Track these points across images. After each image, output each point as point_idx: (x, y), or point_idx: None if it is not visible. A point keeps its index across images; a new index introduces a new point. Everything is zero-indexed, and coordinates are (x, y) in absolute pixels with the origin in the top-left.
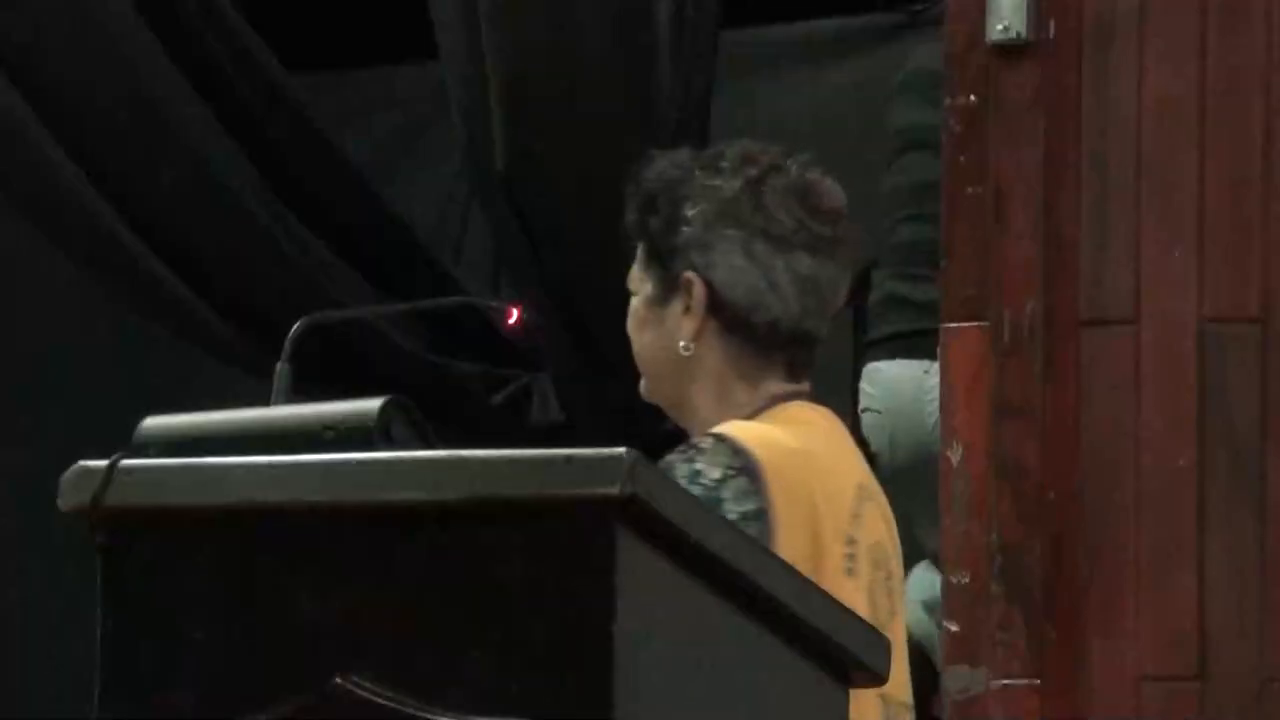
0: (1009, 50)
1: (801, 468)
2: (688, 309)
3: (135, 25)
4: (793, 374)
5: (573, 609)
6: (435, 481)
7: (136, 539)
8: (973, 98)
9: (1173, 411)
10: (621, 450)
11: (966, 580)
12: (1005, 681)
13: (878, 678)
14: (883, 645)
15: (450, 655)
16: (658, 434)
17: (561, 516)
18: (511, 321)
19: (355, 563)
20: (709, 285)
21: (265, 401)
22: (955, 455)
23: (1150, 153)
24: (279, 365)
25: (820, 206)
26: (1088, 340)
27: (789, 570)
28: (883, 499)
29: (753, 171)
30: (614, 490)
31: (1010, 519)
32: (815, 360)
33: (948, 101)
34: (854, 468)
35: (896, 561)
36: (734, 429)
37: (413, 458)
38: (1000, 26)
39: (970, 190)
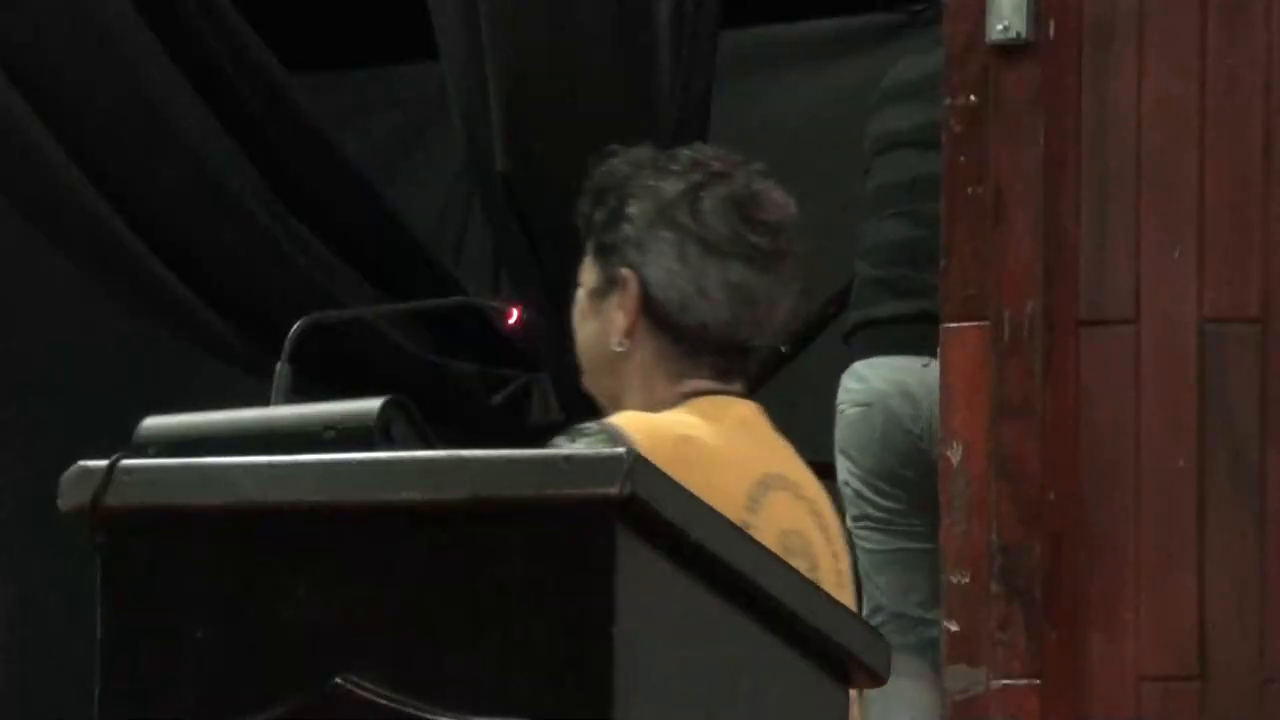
0: (1009, 50)
1: (679, 456)
2: (622, 306)
3: (135, 25)
4: (720, 377)
5: (573, 609)
6: (435, 481)
7: (136, 539)
8: (973, 98)
9: (1173, 411)
10: (621, 450)
11: (966, 580)
12: (1005, 681)
13: (878, 678)
14: (883, 645)
15: (450, 655)
16: None
17: (561, 516)
18: (511, 321)
19: (355, 563)
20: (643, 284)
21: (265, 401)
22: (955, 455)
23: (1150, 153)
24: (279, 365)
25: (760, 218)
26: (1088, 340)
27: (789, 570)
28: (811, 492)
29: (697, 176)
30: (614, 490)
31: (1010, 519)
32: (752, 370)
33: (947, 101)
34: (763, 459)
35: (827, 554)
36: (622, 417)
37: (413, 458)
38: (1000, 26)
39: (970, 190)
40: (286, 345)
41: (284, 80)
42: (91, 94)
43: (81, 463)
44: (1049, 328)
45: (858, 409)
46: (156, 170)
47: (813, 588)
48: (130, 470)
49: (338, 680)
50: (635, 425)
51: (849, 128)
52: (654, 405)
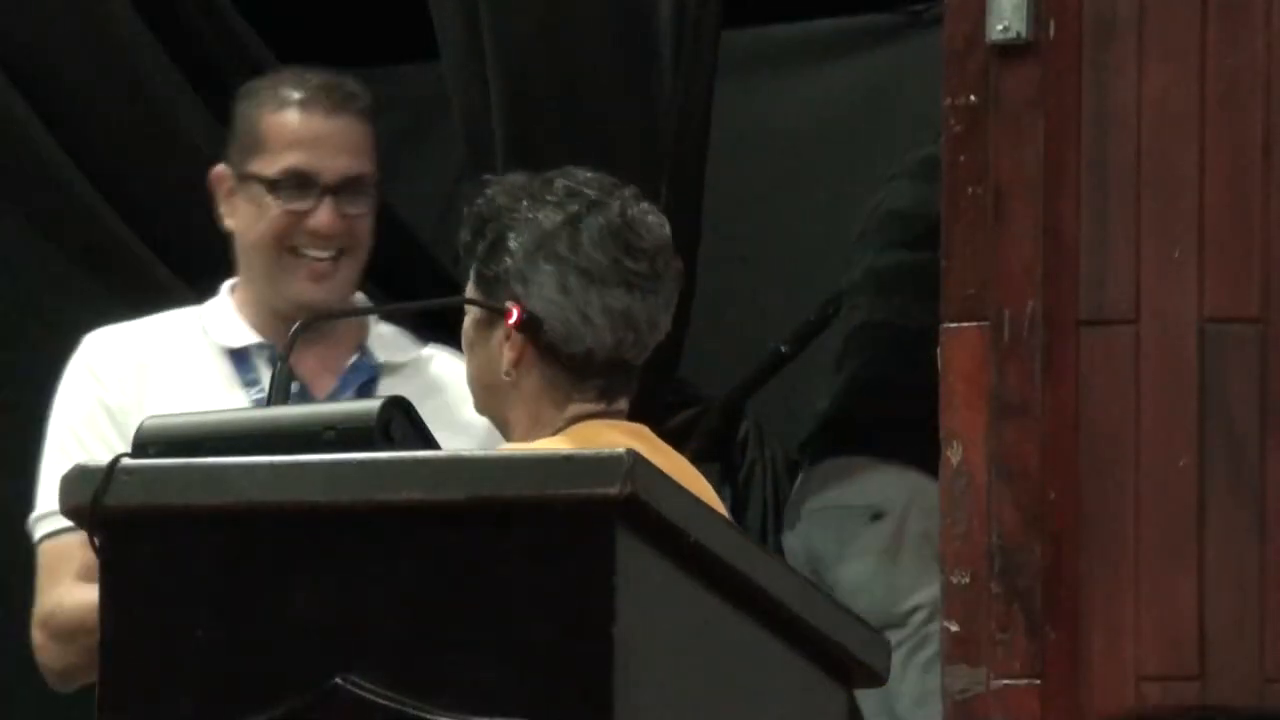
0: (1009, 50)
1: None
2: (508, 337)
3: (135, 25)
4: (605, 398)
5: (573, 609)
6: (435, 481)
7: (136, 539)
8: (973, 98)
9: (1173, 411)
10: (621, 450)
11: (966, 580)
12: (1005, 681)
13: (878, 678)
14: (883, 645)
15: (450, 655)
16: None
17: (561, 516)
18: (511, 321)
19: (355, 563)
20: (528, 314)
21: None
22: (955, 455)
23: (1150, 153)
24: (278, 365)
25: (637, 245)
26: (1088, 340)
27: (789, 570)
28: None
29: (574, 206)
30: (614, 490)
31: (1010, 519)
32: (634, 385)
33: (947, 102)
34: None
35: None
36: (504, 448)
37: (413, 458)
38: (1000, 26)
39: (970, 190)
40: (287, 343)
41: None
42: (91, 94)
43: (82, 463)
44: (1049, 328)
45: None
46: (156, 170)
47: (813, 588)
48: (130, 470)
49: (338, 680)
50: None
51: (849, 128)
52: (538, 430)
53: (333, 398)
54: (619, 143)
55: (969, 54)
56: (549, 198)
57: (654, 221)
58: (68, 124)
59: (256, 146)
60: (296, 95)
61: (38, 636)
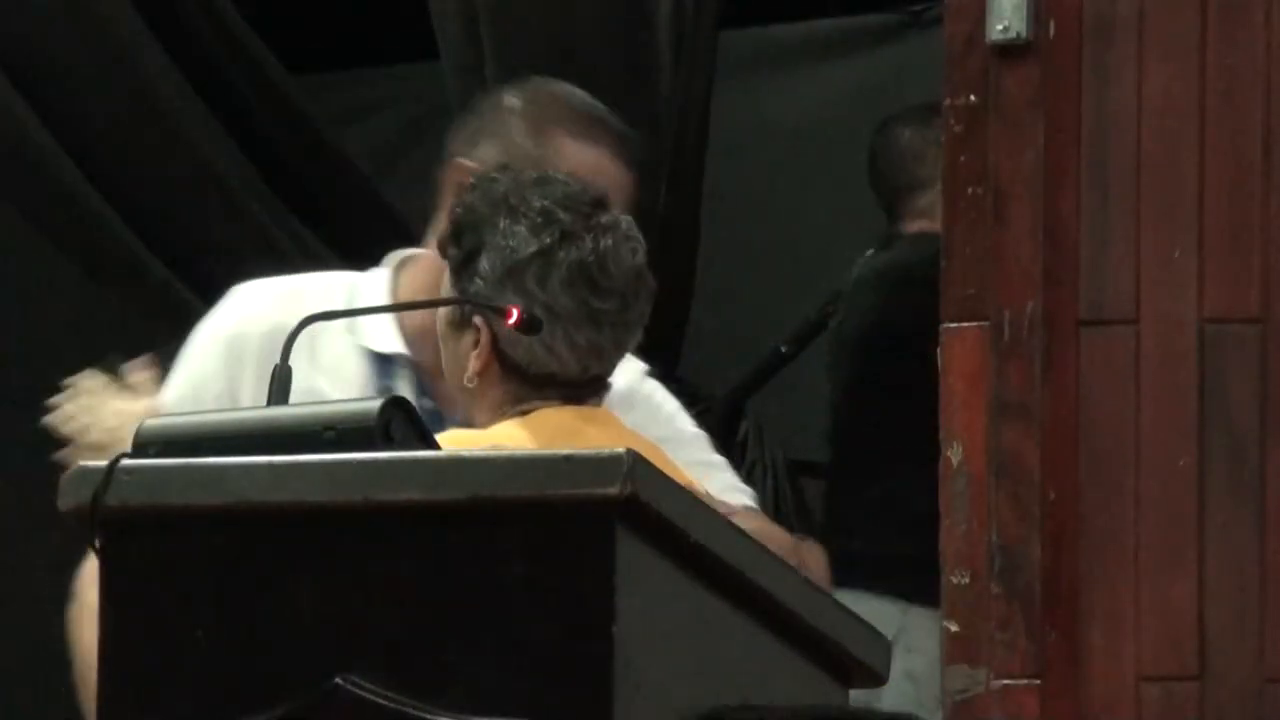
0: (1009, 50)
1: None
2: (475, 345)
3: (135, 25)
4: (567, 399)
5: (573, 609)
6: (435, 481)
7: (136, 539)
8: (973, 98)
9: (1173, 411)
10: (621, 450)
11: (966, 580)
12: (1005, 681)
13: (878, 677)
14: (883, 645)
15: (450, 655)
16: None
17: (561, 516)
18: (511, 321)
19: (355, 563)
20: (493, 336)
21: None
22: (955, 455)
23: (1150, 153)
24: (278, 365)
25: (606, 286)
26: (1088, 340)
27: (789, 570)
28: None
29: (548, 238)
30: (614, 490)
31: (1010, 519)
32: (605, 391)
33: (947, 102)
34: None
35: None
36: (444, 436)
37: (413, 458)
38: (1000, 26)
39: (970, 190)
40: (286, 345)
41: (284, 80)
42: (91, 94)
43: (82, 463)
44: (1049, 328)
45: None
46: (156, 170)
47: (813, 588)
48: (130, 470)
49: (338, 680)
50: (450, 440)
51: (849, 128)
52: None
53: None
54: None
55: (969, 54)
56: (524, 217)
57: (625, 253)
58: (67, 124)
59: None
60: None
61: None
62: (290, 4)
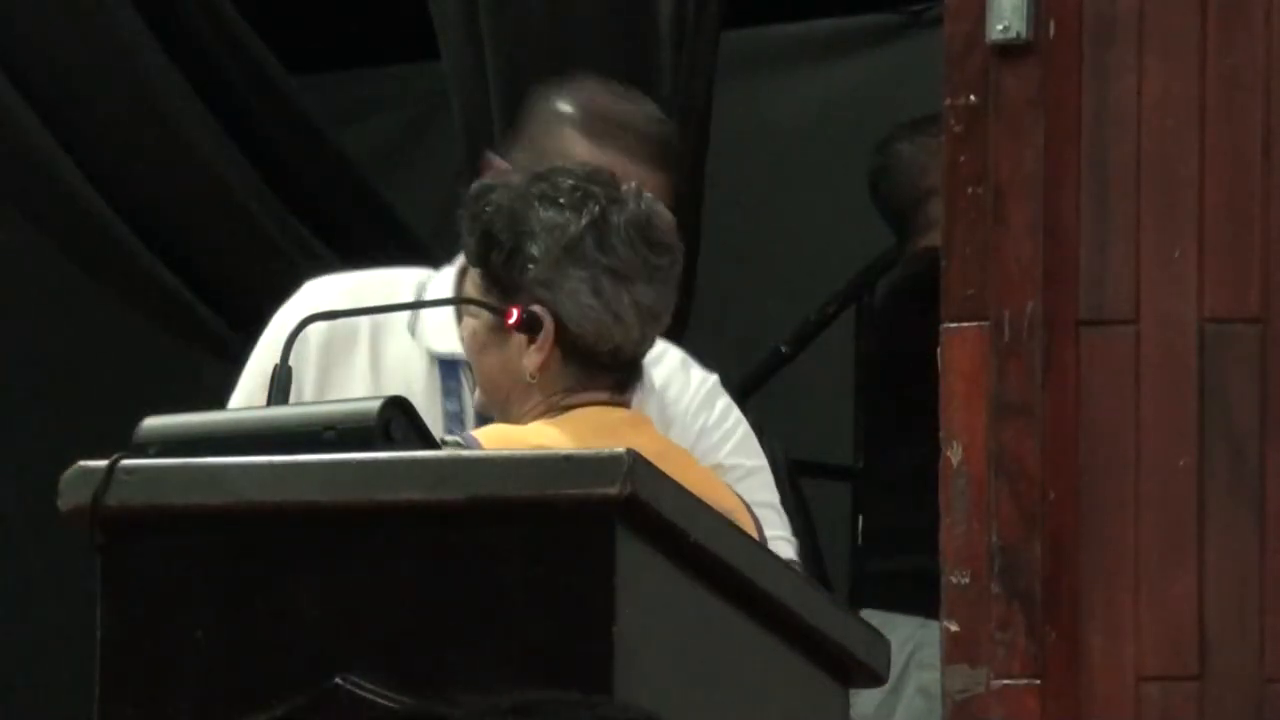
0: (1009, 50)
1: None
2: (533, 341)
3: (135, 25)
4: (615, 390)
5: (573, 609)
6: (435, 481)
7: (136, 539)
8: (973, 98)
9: (1173, 411)
10: (621, 450)
11: (966, 580)
12: (1005, 681)
13: (878, 677)
14: (883, 645)
15: (450, 655)
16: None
17: (561, 516)
18: (511, 321)
19: (355, 563)
20: (557, 319)
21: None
22: (955, 455)
23: (1150, 153)
24: (278, 365)
25: (658, 239)
26: (1088, 340)
27: (789, 570)
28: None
29: (595, 207)
30: (614, 490)
31: (1010, 519)
32: (639, 376)
33: (947, 102)
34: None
35: None
36: (483, 432)
37: (413, 458)
38: (1000, 26)
39: (970, 190)
40: (285, 345)
41: (284, 80)
42: (90, 94)
43: (81, 463)
44: (1049, 328)
45: None
46: (155, 170)
47: (813, 588)
48: (130, 470)
49: (338, 680)
50: (492, 437)
51: (849, 128)
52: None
53: None
54: None
55: (969, 54)
56: (561, 199)
57: (662, 209)
58: (67, 124)
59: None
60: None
61: None
62: (290, 4)
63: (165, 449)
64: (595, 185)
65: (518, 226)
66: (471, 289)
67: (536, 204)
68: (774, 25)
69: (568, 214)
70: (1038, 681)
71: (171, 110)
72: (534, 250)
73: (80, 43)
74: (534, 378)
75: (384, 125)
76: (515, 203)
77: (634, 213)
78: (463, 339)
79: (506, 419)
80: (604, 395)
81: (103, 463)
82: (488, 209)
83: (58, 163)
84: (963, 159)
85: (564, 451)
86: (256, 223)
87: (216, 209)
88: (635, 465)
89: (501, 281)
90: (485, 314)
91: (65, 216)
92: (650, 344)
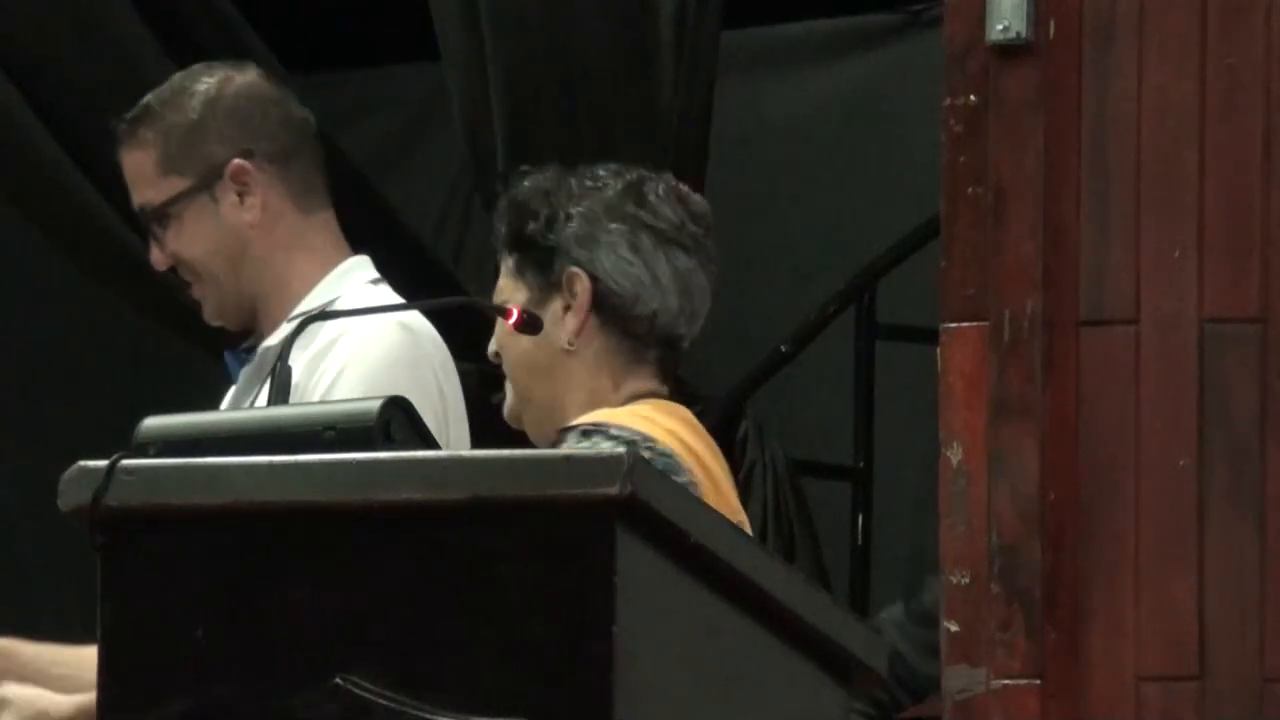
0: (1009, 50)
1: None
2: (568, 307)
3: (135, 25)
4: (660, 377)
5: (573, 609)
6: (435, 481)
7: (136, 539)
8: (973, 98)
9: (1173, 411)
10: (621, 450)
11: (966, 580)
12: (1005, 681)
13: (877, 678)
14: (882, 645)
15: (450, 655)
16: None
17: (561, 516)
18: (511, 321)
19: (355, 563)
20: (593, 279)
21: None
22: (955, 455)
23: (1150, 153)
24: (278, 365)
25: (695, 209)
26: (1088, 340)
27: (789, 570)
28: (725, 487)
29: (630, 176)
30: (614, 490)
31: (1010, 519)
32: (679, 365)
33: (947, 102)
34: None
35: None
36: (605, 414)
37: (413, 458)
38: (1000, 26)
39: (970, 190)
40: (285, 345)
41: (284, 80)
42: (91, 93)
43: (81, 463)
44: (1049, 328)
45: None
46: None
47: (813, 587)
48: (130, 470)
49: (338, 680)
50: (636, 424)
51: (849, 128)
52: (598, 406)
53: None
54: (620, 142)
55: (969, 54)
56: (598, 175)
57: (698, 195)
58: (67, 122)
59: None
60: None
61: None
62: (290, 4)
63: (165, 449)
64: (629, 169)
65: (555, 196)
66: (505, 287)
67: (572, 180)
68: (774, 25)
69: (603, 181)
70: (1038, 681)
71: None
72: (574, 210)
73: (80, 43)
74: (572, 344)
75: (384, 125)
76: (549, 183)
77: (671, 184)
78: (490, 354)
79: (542, 411)
80: (650, 383)
81: (103, 463)
82: (523, 190)
83: (59, 164)
84: (963, 159)
85: (564, 451)
86: None
87: None
88: (635, 465)
89: (539, 247)
90: (519, 298)
91: (63, 214)
92: (689, 332)
